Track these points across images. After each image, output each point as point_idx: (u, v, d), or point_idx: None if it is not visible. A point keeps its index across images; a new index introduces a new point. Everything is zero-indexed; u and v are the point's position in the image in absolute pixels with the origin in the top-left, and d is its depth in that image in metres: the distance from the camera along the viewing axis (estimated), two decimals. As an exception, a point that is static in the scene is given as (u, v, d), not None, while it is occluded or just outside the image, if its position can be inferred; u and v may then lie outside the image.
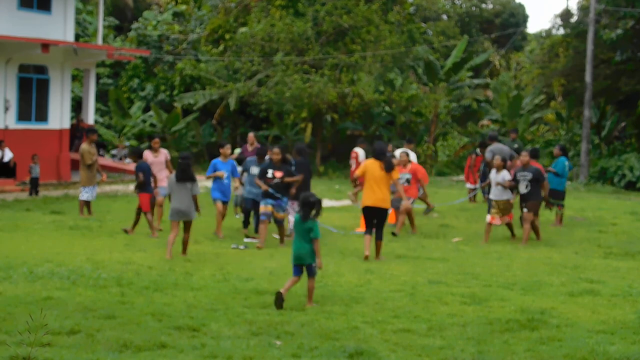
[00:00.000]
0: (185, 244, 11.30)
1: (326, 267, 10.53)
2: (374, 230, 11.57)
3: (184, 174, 11.30)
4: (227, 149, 14.00)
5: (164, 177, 13.95)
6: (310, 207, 8.35)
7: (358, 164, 18.47)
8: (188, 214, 11.28)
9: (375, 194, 11.43)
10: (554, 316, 7.88)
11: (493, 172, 13.65)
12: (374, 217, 11.55)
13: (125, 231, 13.35)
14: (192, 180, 11.31)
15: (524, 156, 13.68)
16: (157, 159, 14.34)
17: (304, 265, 8.39)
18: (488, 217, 13.62)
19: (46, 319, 6.64)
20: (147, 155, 14.12)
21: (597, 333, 7.21)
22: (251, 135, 17.49)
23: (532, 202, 13.31)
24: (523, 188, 13.38)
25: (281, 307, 8.01)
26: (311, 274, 8.37)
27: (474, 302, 8.47)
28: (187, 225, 11.37)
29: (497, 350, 6.59)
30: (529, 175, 13.40)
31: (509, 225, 13.66)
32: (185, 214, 11.28)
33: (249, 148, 16.91)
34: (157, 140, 14.69)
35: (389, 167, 11.46)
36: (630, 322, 7.70)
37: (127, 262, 10.45)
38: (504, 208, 13.38)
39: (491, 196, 13.65)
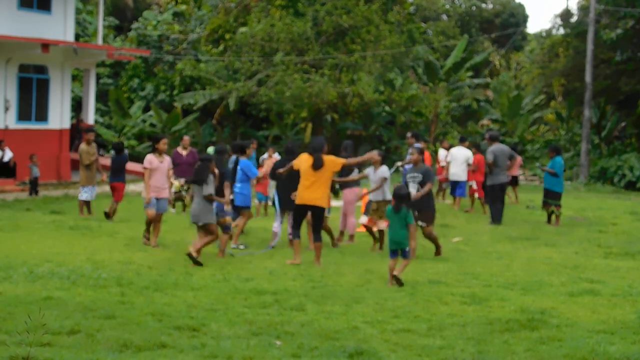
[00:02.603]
0: (201, 245, 10.69)
1: (326, 267, 10.53)
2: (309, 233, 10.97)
3: (194, 176, 10.98)
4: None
5: (165, 188, 12.40)
6: (401, 199, 9.59)
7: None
8: (197, 217, 10.81)
9: (308, 192, 10.69)
10: (554, 316, 7.88)
11: (371, 169, 12.31)
12: (305, 216, 10.97)
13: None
14: (201, 182, 10.82)
15: (413, 153, 11.96)
16: (162, 164, 12.29)
17: (400, 250, 9.51)
18: (364, 219, 12.19)
19: (46, 319, 6.64)
20: (152, 159, 12.19)
21: (597, 333, 7.21)
22: (186, 138, 17.07)
23: (427, 214, 11.60)
24: (414, 191, 11.50)
25: (402, 284, 9.27)
26: (406, 256, 9.55)
27: (474, 302, 8.46)
28: (204, 229, 10.87)
29: (497, 350, 6.59)
30: (419, 177, 11.70)
31: (381, 233, 12.19)
32: (194, 217, 10.87)
33: (183, 152, 16.70)
34: (165, 140, 12.40)
35: (316, 165, 10.66)
36: (630, 322, 7.69)
37: (127, 262, 10.45)
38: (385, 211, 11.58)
39: (371, 197, 12.27)
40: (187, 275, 9.65)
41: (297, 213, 10.95)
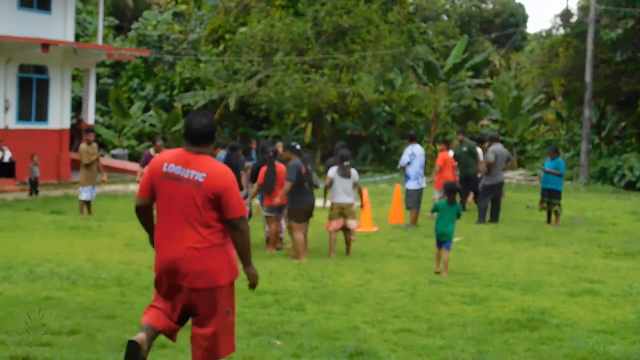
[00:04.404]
0: None
1: (326, 267, 10.54)
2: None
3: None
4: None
5: None
6: (454, 193, 10.39)
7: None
8: None
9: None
10: (554, 316, 7.88)
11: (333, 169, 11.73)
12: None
13: None
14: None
15: (281, 148, 11.56)
16: None
17: (444, 241, 10.28)
18: (338, 224, 11.69)
19: (46, 319, 6.64)
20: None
21: (597, 333, 7.21)
22: (159, 143, 15.77)
23: (289, 207, 11.41)
24: None
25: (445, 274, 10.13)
26: (448, 247, 10.32)
27: (474, 302, 8.46)
28: None
29: (497, 350, 6.59)
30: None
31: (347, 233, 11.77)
32: None
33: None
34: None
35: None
36: (630, 322, 7.70)
37: (127, 262, 10.45)
38: (349, 213, 11.61)
39: (341, 199, 11.71)
40: (187, 275, 9.65)
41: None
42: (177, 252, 4.80)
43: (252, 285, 5.06)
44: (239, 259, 4.93)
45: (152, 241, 5.06)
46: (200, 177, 4.74)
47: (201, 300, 4.85)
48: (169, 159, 4.85)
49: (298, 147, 11.45)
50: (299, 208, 11.24)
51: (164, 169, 4.83)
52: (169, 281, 4.86)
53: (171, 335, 5.06)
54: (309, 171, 11.38)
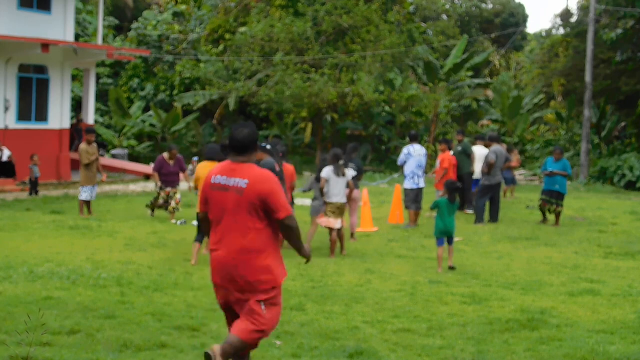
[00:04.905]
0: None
1: (326, 267, 10.54)
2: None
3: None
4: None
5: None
6: (455, 191, 10.72)
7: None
8: None
9: None
10: (554, 316, 7.88)
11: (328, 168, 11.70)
12: None
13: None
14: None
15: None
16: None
17: (447, 237, 10.62)
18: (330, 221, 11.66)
19: (46, 319, 6.64)
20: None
21: (597, 333, 7.21)
22: (174, 151, 15.58)
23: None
24: None
25: (454, 268, 10.55)
26: (452, 243, 10.71)
27: (474, 302, 8.47)
28: None
29: (497, 350, 6.59)
30: None
31: (340, 233, 11.78)
32: None
33: (170, 162, 15.44)
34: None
35: None
36: (630, 322, 7.70)
37: (127, 262, 10.45)
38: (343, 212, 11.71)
39: (337, 199, 11.67)
40: (187, 275, 9.66)
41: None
42: (227, 257, 5.15)
43: (308, 259, 5.52)
44: (294, 248, 5.31)
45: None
46: (243, 184, 5.08)
47: (243, 300, 5.16)
48: (216, 171, 5.26)
49: (269, 147, 11.50)
50: None
51: (212, 181, 5.24)
52: (222, 283, 5.22)
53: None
54: (282, 170, 11.41)
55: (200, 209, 5.44)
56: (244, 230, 5.10)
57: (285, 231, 5.14)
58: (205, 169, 10.89)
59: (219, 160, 10.50)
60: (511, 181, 21.31)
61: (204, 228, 5.44)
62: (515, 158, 22.87)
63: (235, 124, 5.25)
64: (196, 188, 11.47)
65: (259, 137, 5.27)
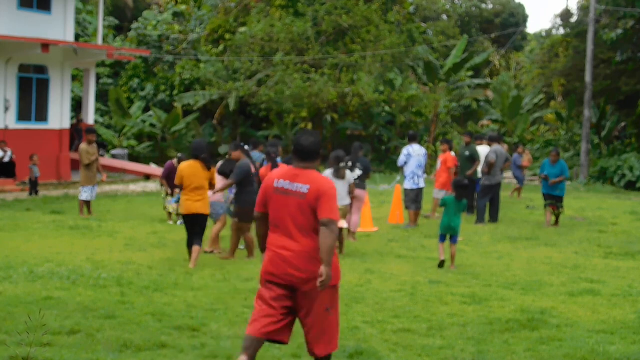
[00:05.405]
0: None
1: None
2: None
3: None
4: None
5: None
6: (463, 189, 10.80)
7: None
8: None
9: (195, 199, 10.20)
10: (554, 316, 7.88)
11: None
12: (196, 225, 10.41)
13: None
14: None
15: (231, 150, 11.35)
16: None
17: (451, 236, 10.66)
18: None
19: (46, 319, 6.63)
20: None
21: (597, 333, 7.21)
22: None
23: (236, 207, 11.08)
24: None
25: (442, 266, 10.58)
26: (455, 242, 10.74)
27: (474, 302, 8.47)
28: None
29: (497, 350, 6.60)
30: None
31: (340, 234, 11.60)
32: None
33: None
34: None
35: (208, 166, 10.26)
36: (630, 322, 7.70)
37: (127, 262, 10.45)
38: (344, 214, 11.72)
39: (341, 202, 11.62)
40: (187, 275, 9.65)
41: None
42: (285, 257, 5.31)
43: (322, 284, 5.22)
44: (322, 260, 5.21)
45: (262, 247, 5.57)
46: (305, 189, 5.31)
47: (303, 299, 5.32)
48: (279, 176, 5.46)
49: (247, 147, 11.56)
50: (249, 209, 10.69)
51: (275, 185, 5.42)
52: (276, 281, 5.33)
53: (280, 337, 5.48)
54: (257, 171, 11.45)
55: (258, 210, 5.56)
56: (304, 232, 5.30)
57: (324, 231, 5.20)
58: (188, 169, 10.27)
59: (203, 160, 10.22)
60: (522, 181, 21.33)
61: (259, 228, 5.57)
62: (527, 158, 22.85)
63: (300, 131, 5.47)
64: (170, 189, 11.29)
65: (321, 145, 5.49)
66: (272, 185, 5.43)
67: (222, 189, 11.18)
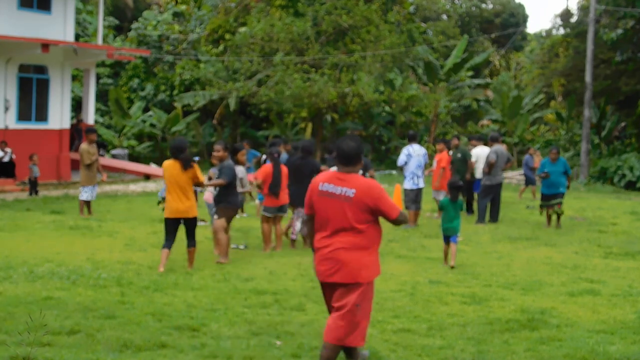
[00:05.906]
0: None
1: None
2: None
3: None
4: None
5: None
6: (458, 189, 10.87)
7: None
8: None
9: (181, 201, 9.98)
10: (554, 316, 7.88)
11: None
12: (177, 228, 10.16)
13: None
14: None
15: (217, 150, 10.98)
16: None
17: (451, 236, 10.74)
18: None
19: (46, 319, 6.64)
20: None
21: (597, 333, 7.21)
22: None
23: (222, 207, 10.92)
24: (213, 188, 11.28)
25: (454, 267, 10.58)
26: (455, 241, 10.83)
27: (474, 302, 8.46)
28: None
29: (497, 350, 6.60)
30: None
31: None
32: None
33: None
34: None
35: (186, 165, 9.91)
36: (630, 322, 7.70)
37: (127, 262, 10.45)
38: None
39: None
40: (187, 275, 9.65)
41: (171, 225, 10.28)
42: (330, 253, 5.69)
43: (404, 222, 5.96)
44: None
45: (313, 246, 5.93)
46: (350, 192, 5.64)
47: (339, 292, 5.67)
48: (324, 179, 5.80)
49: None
50: (234, 209, 10.97)
51: (320, 188, 5.77)
52: (324, 278, 5.73)
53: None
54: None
55: (307, 212, 5.95)
56: (349, 231, 5.66)
57: (399, 225, 5.86)
58: (169, 168, 9.92)
59: (181, 160, 9.86)
60: (534, 181, 21.35)
61: (308, 228, 5.98)
62: (538, 159, 22.84)
63: (342, 136, 5.90)
64: None
65: (363, 149, 5.87)
66: (317, 189, 5.77)
67: (210, 185, 11.11)
